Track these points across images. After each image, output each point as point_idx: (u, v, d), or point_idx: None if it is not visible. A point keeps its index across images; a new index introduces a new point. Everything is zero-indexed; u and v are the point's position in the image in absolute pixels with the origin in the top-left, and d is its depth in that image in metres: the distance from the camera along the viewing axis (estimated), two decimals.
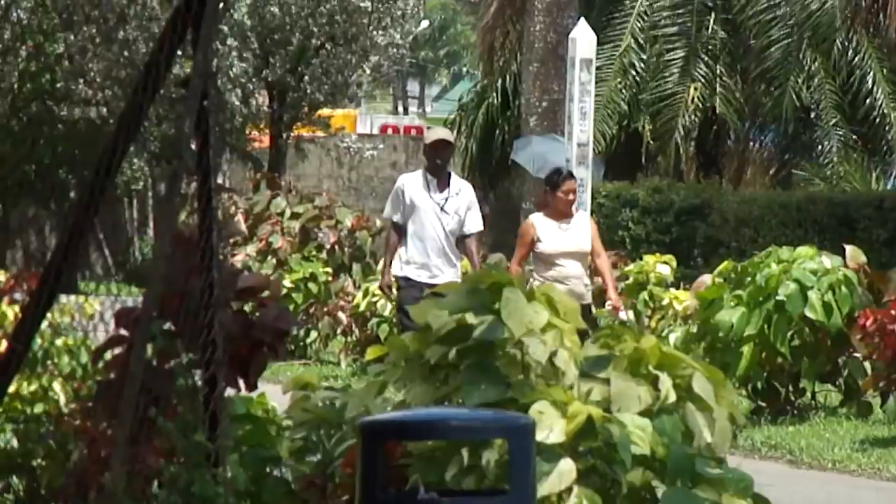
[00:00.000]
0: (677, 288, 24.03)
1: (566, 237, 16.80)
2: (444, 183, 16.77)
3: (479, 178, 39.92)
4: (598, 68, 27.56)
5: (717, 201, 33.00)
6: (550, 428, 7.40)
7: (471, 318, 7.84)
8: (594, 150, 27.25)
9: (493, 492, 6.93)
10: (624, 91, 37.03)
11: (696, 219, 32.92)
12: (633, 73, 37.40)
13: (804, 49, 37.35)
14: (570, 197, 16.84)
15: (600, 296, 18.94)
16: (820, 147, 38.61)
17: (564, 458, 7.44)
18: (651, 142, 37.00)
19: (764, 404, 18.87)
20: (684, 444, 7.81)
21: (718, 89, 37.63)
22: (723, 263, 19.83)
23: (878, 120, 38.36)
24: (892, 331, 16.92)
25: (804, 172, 37.68)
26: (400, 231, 16.72)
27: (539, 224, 16.85)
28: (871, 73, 38.25)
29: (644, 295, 23.52)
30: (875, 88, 38.15)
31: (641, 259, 24.67)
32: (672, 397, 7.75)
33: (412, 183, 16.81)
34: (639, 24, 37.45)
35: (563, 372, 7.71)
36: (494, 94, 39.75)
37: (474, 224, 16.98)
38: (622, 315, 17.83)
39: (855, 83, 38.39)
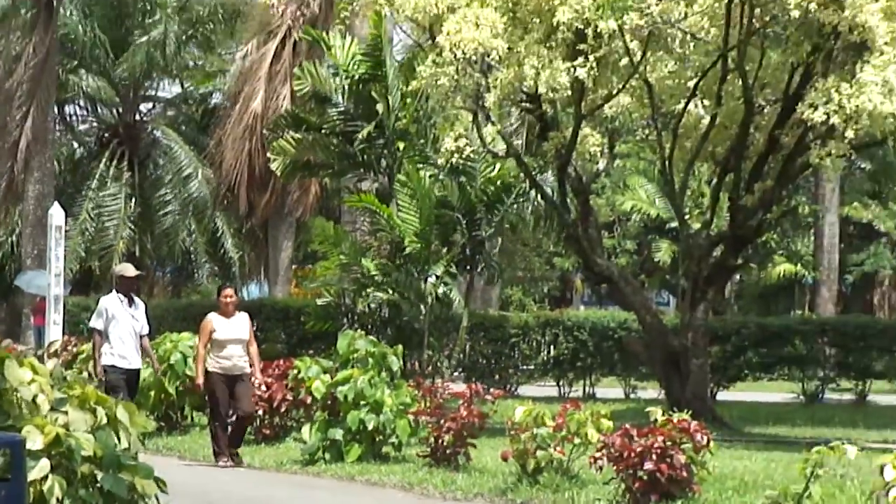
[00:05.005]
0: None
1: (232, 328, 15.48)
2: (131, 301, 15.50)
3: None
4: None
5: None
6: (34, 441, 7.29)
7: None
8: None
9: (0, 480, 6.52)
10: None
11: None
12: None
13: None
14: (227, 300, 15.53)
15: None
16: None
17: (42, 458, 7.33)
18: None
19: None
20: (115, 448, 7.60)
21: None
22: None
23: None
24: None
25: None
26: (101, 335, 15.35)
27: (214, 320, 15.49)
28: None
29: None
30: None
31: None
32: (104, 420, 7.65)
33: (111, 301, 15.45)
34: None
35: (41, 406, 7.58)
36: (8, 246, 37.09)
37: (146, 327, 15.64)
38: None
39: None
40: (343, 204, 30.91)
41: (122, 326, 15.39)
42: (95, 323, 15.55)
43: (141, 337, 15.59)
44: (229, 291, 15.76)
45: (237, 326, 15.53)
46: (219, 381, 15.42)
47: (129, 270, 15.91)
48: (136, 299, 15.78)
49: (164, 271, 41.84)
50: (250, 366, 15.61)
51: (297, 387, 16.96)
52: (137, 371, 15.59)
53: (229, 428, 15.76)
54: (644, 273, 39.95)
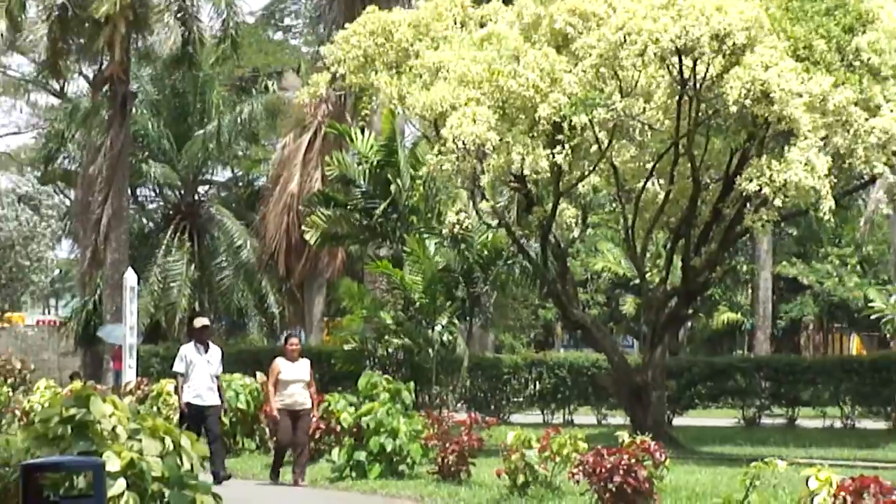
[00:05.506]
0: None
1: (295, 371, 15.08)
2: (206, 347, 15.10)
3: (83, 345, 36.54)
4: None
5: None
6: (113, 464, 7.29)
7: (74, 410, 7.64)
8: None
9: (84, 496, 6.63)
10: None
11: None
12: None
13: None
14: (293, 347, 15.14)
15: None
16: None
17: (120, 478, 7.35)
18: None
19: None
20: (179, 470, 7.63)
21: None
22: None
23: None
24: None
25: None
26: (182, 377, 15.01)
27: (280, 363, 15.13)
28: None
29: None
30: None
31: None
32: (171, 447, 7.65)
33: (189, 349, 15.09)
34: None
35: (119, 435, 7.59)
36: (92, 304, 35.48)
37: (219, 369, 15.23)
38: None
39: None
40: (365, 268, 30.93)
41: (198, 369, 15.02)
42: (178, 367, 15.18)
43: (214, 377, 15.15)
44: (294, 340, 15.37)
45: (300, 370, 15.13)
46: (283, 414, 15.09)
47: (196, 322, 15.62)
48: (212, 346, 15.35)
49: (220, 324, 41.67)
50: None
51: (329, 417, 16.90)
52: (212, 406, 15.07)
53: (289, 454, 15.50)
54: (612, 321, 39.96)
